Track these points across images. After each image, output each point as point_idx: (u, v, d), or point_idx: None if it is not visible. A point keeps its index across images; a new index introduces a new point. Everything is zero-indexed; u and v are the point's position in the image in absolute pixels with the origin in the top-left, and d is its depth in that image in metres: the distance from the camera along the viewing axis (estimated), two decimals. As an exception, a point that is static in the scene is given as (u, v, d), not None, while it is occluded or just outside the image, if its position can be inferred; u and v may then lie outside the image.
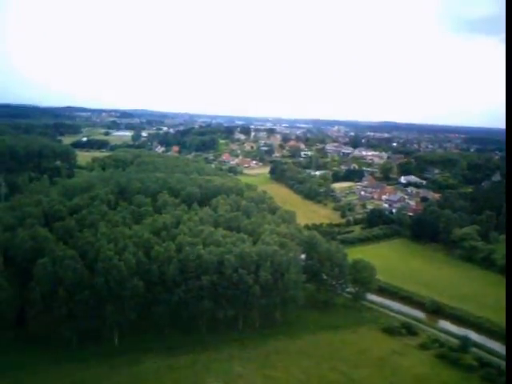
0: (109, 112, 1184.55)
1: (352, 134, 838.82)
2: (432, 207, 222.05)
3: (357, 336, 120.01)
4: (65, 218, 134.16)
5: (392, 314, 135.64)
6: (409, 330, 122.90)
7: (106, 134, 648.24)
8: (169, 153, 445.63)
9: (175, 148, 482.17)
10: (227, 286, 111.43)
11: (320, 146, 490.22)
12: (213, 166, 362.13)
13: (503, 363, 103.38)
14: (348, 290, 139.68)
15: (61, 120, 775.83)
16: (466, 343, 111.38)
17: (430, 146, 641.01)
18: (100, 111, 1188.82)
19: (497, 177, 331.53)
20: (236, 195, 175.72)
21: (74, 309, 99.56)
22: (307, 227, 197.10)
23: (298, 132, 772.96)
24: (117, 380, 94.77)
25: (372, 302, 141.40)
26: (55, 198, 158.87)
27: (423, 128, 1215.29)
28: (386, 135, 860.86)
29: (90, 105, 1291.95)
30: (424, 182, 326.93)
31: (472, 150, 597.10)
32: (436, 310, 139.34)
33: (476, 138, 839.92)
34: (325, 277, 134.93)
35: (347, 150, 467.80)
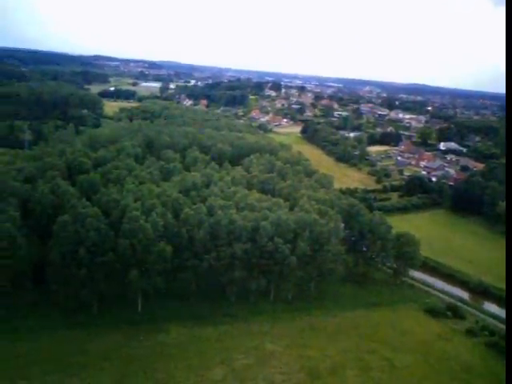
0: (137, 62, 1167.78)
1: (384, 95, 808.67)
2: (476, 177, 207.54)
3: (398, 316, 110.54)
4: (89, 170, 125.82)
5: (434, 292, 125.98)
6: (454, 312, 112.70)
7: (134, 84, 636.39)
8: (197, 106, 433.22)
9: (203, 102, 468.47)
10: (261, 255, 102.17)
11: (354, 106, 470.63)
12: (242, 122, 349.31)
13: None
14: (388, 264, 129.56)
15: (89, 68, 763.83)
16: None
17: (466, 112, 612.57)
18: (128, 61, 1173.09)
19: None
20: (270, 155, 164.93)
21: (95, 271, 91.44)
22: (341, 192, 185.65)
23: (329, 91, 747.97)
24: (138, 350, 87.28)
25: (412, 278, 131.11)
26: (80, 148, 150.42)
27: (456, 93, 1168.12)
28: (419, 98, 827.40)
29: (119, 54, 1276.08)
30: (464, 150, 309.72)
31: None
32: (482, 291, 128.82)
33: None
34: (364, 249, 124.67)
35: (383, 111, 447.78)
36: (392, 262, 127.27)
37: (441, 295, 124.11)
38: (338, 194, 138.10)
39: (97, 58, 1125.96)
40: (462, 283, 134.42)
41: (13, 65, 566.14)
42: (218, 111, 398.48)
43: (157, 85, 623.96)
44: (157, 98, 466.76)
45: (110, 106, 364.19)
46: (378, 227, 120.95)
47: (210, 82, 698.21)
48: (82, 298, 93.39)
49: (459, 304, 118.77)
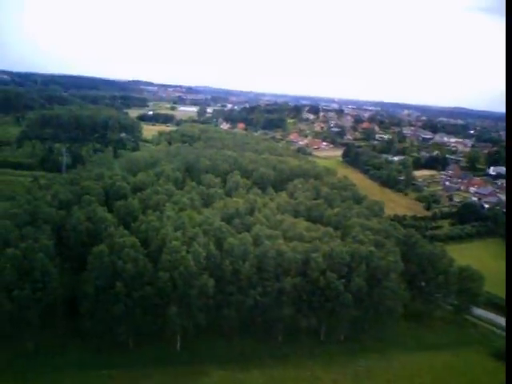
0: (175, 87, 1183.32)
1: (424, 118, 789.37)
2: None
3: (463, 360, 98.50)
4: (127, 195, 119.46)
5: (500, 332, 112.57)
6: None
7: (172, 108, 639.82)
8: (235, 130, 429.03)
9: (241, 125, 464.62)
10: (312, 291, 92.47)
11: (396, 129, 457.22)
12: (280, 145, 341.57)
13: None
14: (448, 301, 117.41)
15: (128, 93, 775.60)
16: None
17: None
18: (166, 86, 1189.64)
19: None
20: (314, 180, 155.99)
21: (132, 306, 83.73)
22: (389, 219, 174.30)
23: (367, 114, 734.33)
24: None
25: (475, 316, 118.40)
26: (118, 172, 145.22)
27: (496, 115, 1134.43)
28: (459, 122, 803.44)
29: (157, 79, 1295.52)
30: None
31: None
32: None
33: None
34: (423, 284, 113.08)
35: (427, 135, 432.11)
36: (453, 299, 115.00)
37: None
38: (392, 223, 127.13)
39: (135, 82, 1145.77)
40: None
41: (55, 90, 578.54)
42: (256, 134, 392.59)
43: (194, 109, 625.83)
44: (194, 121, 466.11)
45: (149, 130, 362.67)
46: (439, 260, 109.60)
47: (247, 105, 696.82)
48: (117, 334, 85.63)
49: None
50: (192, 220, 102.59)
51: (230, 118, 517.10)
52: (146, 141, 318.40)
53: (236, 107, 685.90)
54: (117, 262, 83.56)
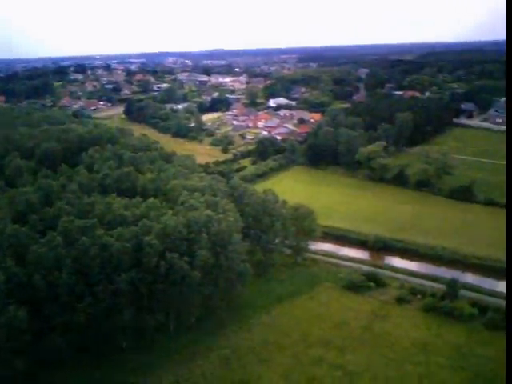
0: None
1: (190, 63, 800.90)
2: (325, 128, 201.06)
3: (319, 303, 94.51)
4: None
5: (339, 261, 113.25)
6: (375, 281, 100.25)
7: None
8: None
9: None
10: (153, 280, 75.98)
11: (170, 77, 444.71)
12: (55, 113, 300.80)
13: (499, 302, 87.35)
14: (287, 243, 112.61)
15: None
16: (454, 287, 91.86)
17: (272, 68, 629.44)
18: None
19: (362, 91, 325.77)
20: (112, 145, 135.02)
21: None
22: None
23: (134, 67, 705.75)
24: None
25: (314, 252, 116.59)
26: None
27: (250, 53, 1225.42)
28: (222, 62, 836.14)
29: None
30: (294, 103, 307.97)
31: (315, 67, 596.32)
32: (382, 247, 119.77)
33: (305, 57, 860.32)
34: (260, 234, 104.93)
35: (203, 78, 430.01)
36: (292, 241, 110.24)
37: (347, 263, 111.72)
38: (215, 177, 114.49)
39: None
40: (357, 242, 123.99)
41: None
42: (23, 105, 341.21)
43: None
44: None
45: None
46: (272, 206, 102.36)
47: (1, 75, 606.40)
48: None
49: (367, 268, 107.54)
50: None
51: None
52: None
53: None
54: None
